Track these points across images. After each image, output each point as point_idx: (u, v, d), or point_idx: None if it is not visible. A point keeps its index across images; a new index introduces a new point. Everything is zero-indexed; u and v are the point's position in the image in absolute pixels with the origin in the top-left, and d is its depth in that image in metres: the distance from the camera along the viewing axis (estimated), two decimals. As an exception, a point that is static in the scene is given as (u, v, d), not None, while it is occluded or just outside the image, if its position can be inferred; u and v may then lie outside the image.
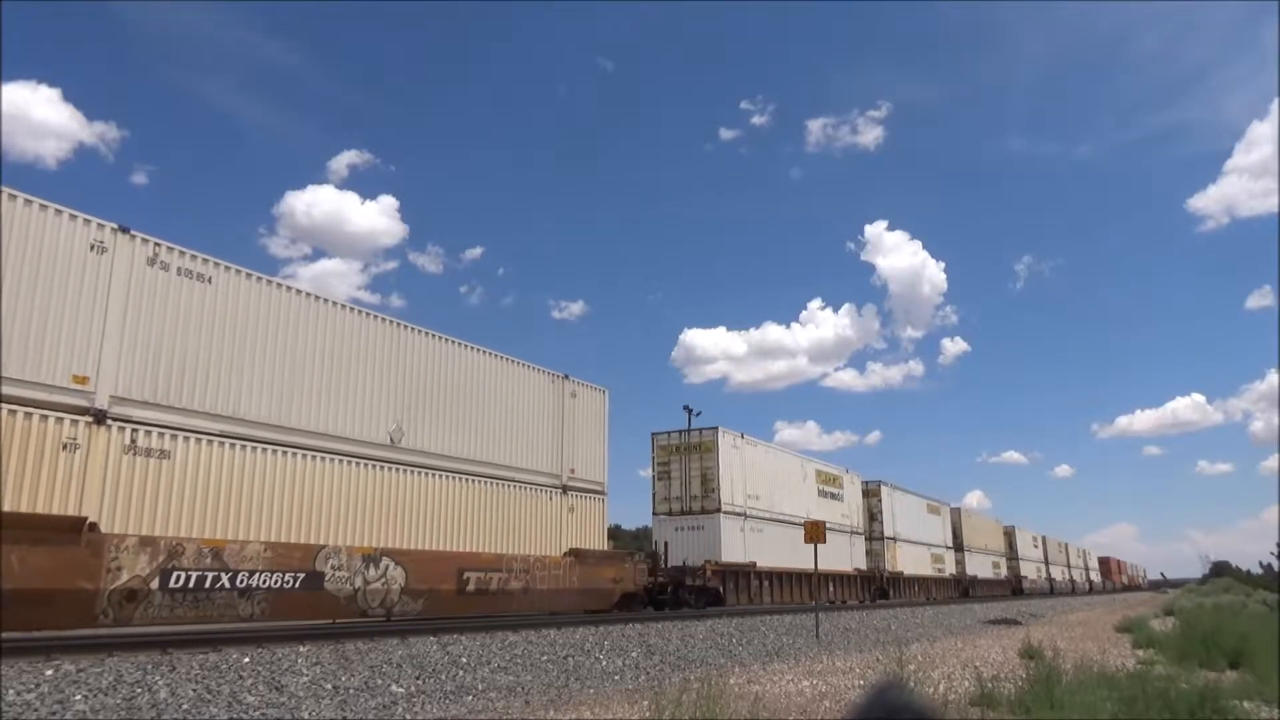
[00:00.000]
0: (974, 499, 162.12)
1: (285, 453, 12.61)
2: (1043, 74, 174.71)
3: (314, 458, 13.00)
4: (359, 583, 13.05)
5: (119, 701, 7.30)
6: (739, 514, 24.53)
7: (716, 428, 24.58)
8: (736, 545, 24.01)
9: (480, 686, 9.81)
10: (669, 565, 21.88)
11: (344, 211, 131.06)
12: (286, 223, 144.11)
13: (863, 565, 33.55)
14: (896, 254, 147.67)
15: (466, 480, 15.65)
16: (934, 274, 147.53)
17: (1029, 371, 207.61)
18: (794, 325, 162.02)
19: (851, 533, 32.73)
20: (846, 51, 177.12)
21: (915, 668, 10.99)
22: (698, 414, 27.38)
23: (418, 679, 9.60)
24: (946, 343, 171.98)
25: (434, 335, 15.71)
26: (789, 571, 26.84)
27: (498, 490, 16.34)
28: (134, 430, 10.89)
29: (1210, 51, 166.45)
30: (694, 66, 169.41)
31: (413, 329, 15.33)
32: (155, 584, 10.59)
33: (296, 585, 12.16)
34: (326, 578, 12.60)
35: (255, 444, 12.23)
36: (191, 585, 10.96)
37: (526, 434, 17.41)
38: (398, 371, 14.78)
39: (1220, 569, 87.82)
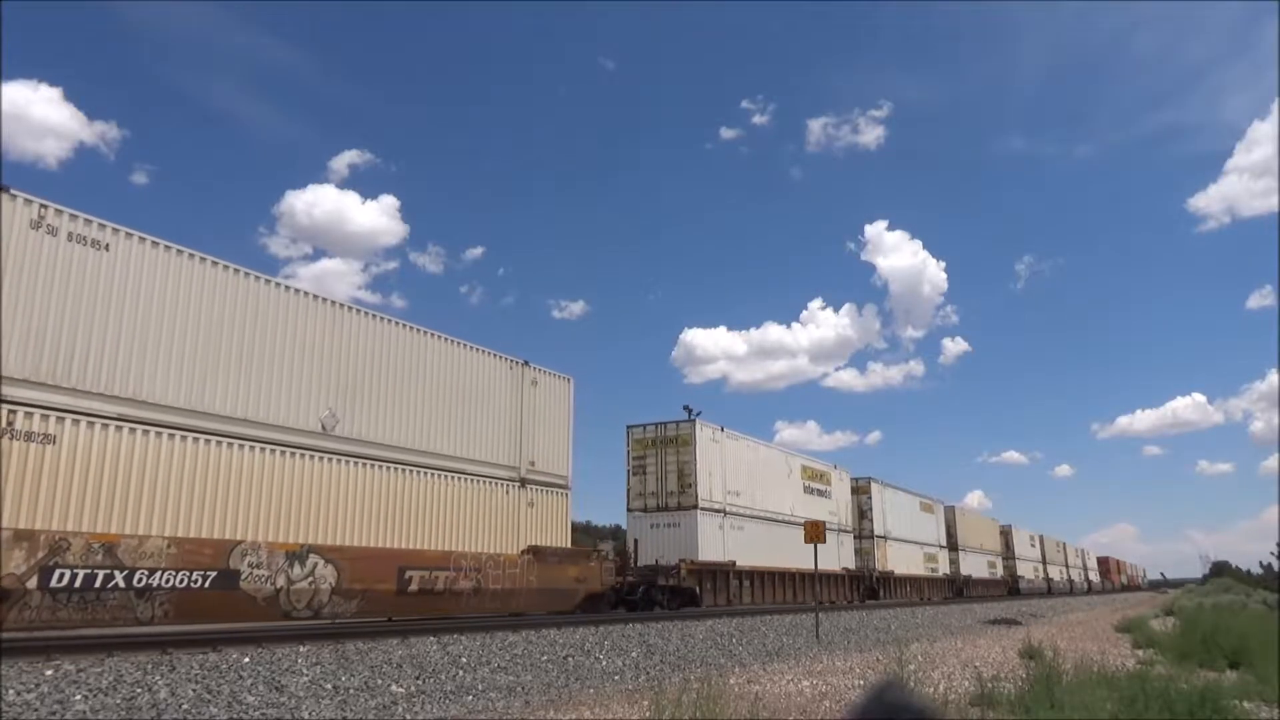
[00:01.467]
0: (974, 499, 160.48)
1: (196, 439, 11.44)
2: (1043, 74, 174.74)
3: (231, 445, 11.84)
4: (281, 582, 11.85)
5: (119, 701, 7.23)
6: (717, 511, 23.32)
7: (694, 420, 23.38)
8: (714, 543, 22.80)
9: (480, 686, 9.69)
10: (639, 564, 20.69)
11: (344, 211, 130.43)
12: (287, 222, 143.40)
13: (851, 564, 32.35)
14: (896, 254, 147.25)
15: (410, 472, 14.47)
16: (934, 274, 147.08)
17: (1029, 371, 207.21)
18: (794, 325, 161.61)
19: (840, 531, 31.49)
20: (846, 51, 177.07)
21: (915, 668, 10.72)
22: (698, 414, 26.10)
23: (418, 679, 9.45)
24: (946, 343, 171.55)
25: (374, 316, 14.55)
26: (771, 571, 25.65)
27: (446, 483, 15.15)
28: (11, 411, 9.71)
29: (1210, 51, 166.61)
30: (694, 66, 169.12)
31: (349, 308, 14.18)
32: (33, 583, 9.41)
33: (206, 585, 10.96)
34: (243, 576, 11.40)
35: (160, 429, 11.07)
36: (78, 585, 9.77)
37: (480, 423, 16.23)
38: (332, 354, 13.60)
39: (1220, 569, 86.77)
